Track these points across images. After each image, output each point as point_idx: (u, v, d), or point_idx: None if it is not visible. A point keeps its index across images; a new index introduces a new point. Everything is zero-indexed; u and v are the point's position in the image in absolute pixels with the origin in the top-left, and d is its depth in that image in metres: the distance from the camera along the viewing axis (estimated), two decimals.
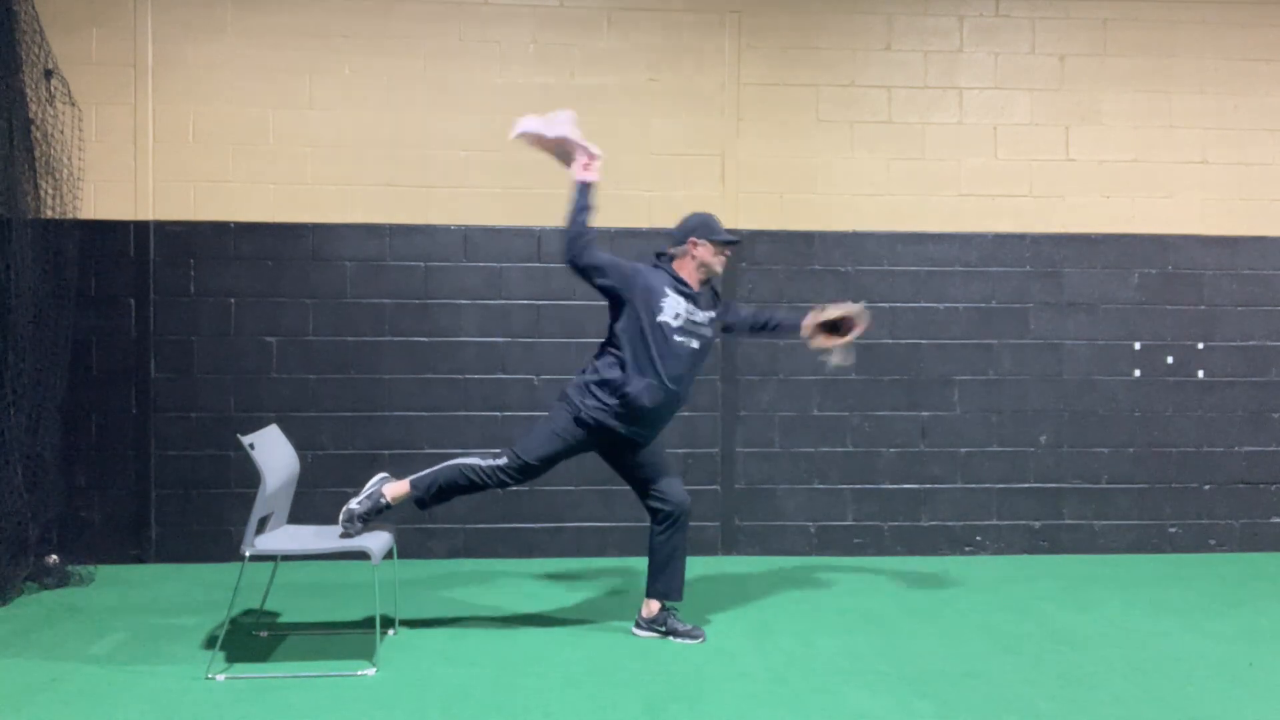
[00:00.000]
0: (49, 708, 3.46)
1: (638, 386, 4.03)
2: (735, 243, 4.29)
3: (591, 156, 4.14)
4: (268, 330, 5.36)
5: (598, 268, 4.07)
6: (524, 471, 4.13)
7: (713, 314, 4.23)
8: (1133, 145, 5.68)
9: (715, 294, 4.34)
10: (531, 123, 4.10)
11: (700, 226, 4.18)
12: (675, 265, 4.18)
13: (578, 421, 4.10)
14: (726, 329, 4.42)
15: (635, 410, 4.06)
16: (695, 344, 4.13)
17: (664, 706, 3.49)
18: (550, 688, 3.65)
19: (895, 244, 5.60)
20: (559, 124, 4.10)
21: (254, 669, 3.83)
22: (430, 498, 4.15)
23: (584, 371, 4.18)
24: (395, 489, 4.10)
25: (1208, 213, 5.71)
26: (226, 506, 5.32)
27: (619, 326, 4.11)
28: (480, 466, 4.12)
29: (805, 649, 4.08)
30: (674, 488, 4.21)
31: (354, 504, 4.03)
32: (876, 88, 5.59)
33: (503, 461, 4.11)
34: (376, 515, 4.06)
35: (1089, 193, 5.66)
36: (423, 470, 4.18)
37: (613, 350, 4.13)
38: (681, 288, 4.13)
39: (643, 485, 4.23)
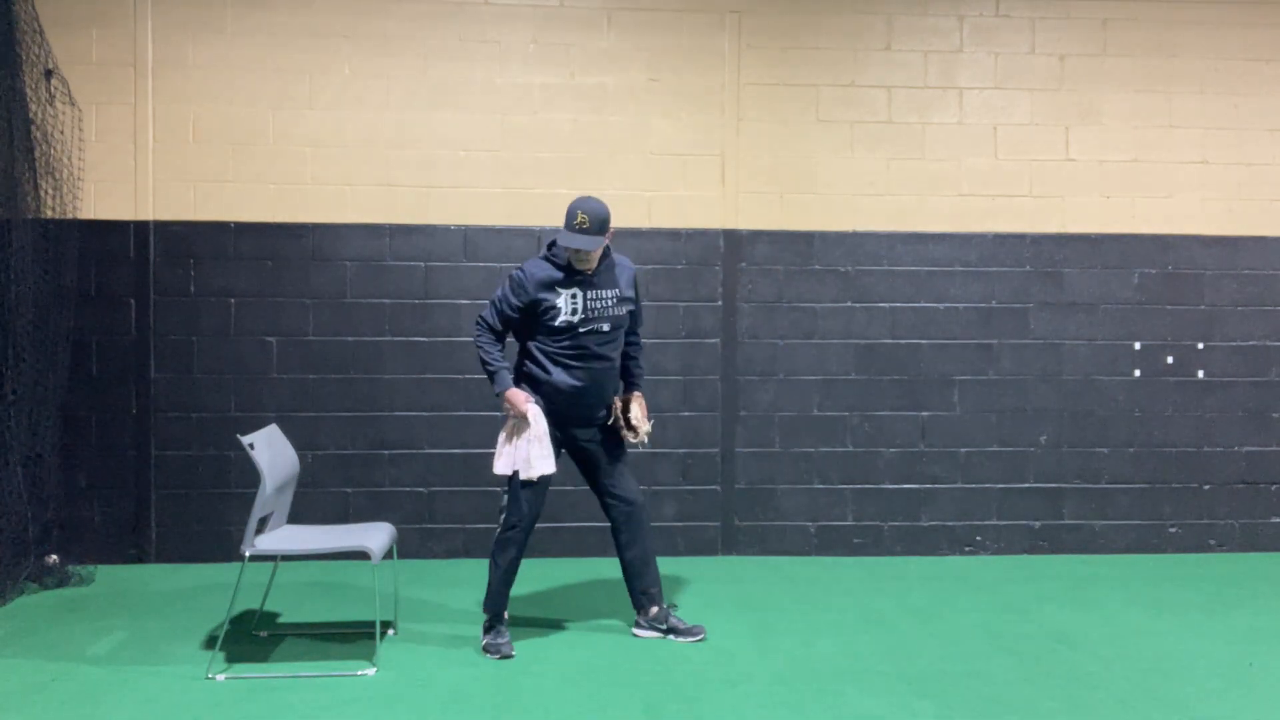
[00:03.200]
0: (49, 708, 3.46)
1: (557, 378, 4.07)
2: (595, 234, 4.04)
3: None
4: (268, 330, 5.36)
5: (503, 331, 4.12)
6: (517, 500, 4.14)
7: (621, 291, 4.13)
8: (1133, 145, 5.67)
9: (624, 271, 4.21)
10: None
11: (566, 216, 4.05)
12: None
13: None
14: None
15: (559, 396, 4.09)
16: (606, 327, 4.09)
17: (664, 706, 3.49)
18: (550, 688, 3.65)
19: (895, 244, 5.60)
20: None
21: (254, 669, 3.83)
22: (497, 599, 4.18)
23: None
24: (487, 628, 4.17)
25: (1208, 213, 5.70)
26: (226, 506, 5.32)
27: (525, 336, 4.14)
28: (498, 535, 4.19)
29: (805, 649, 4.08)
30: (627, 483, 4.26)
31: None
32: (876, 88, 5.59)
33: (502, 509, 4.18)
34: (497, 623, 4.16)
35: (1089, 193, 5.66)
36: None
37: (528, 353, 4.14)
38: (573, 277, 4.04)
39: (598, 485, 4.28)
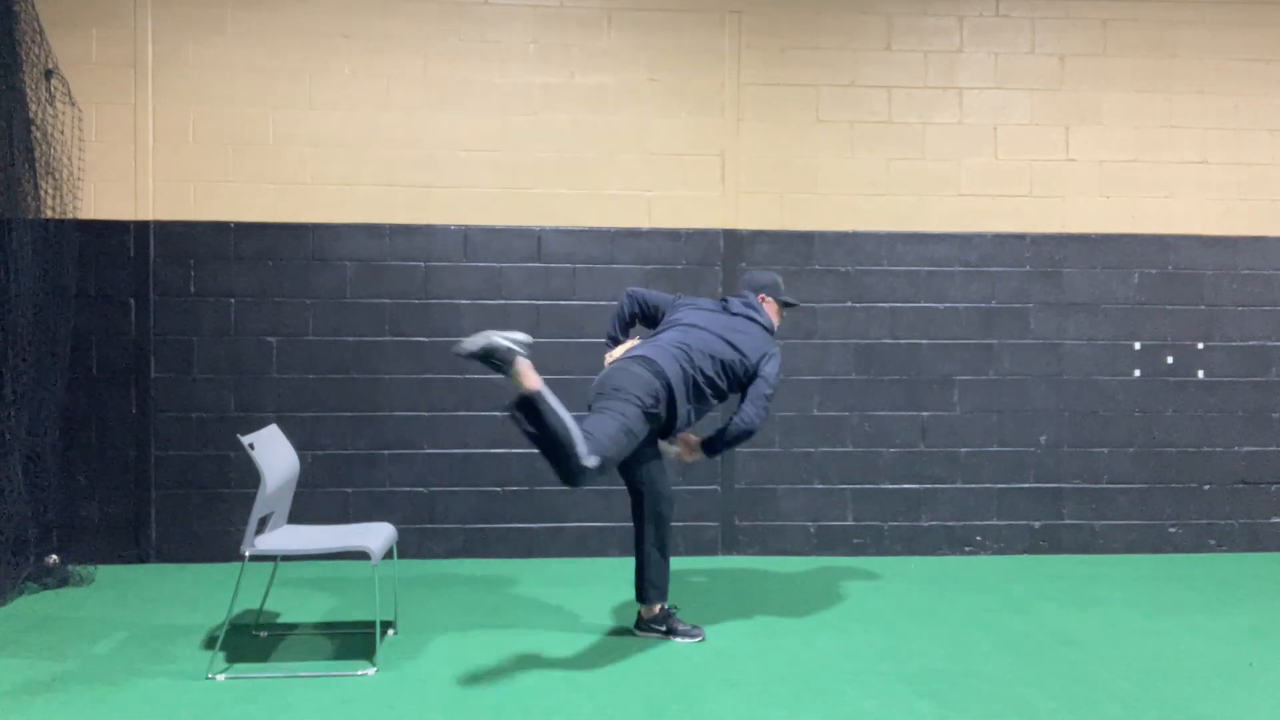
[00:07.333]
0: (49, 708, 3.46)
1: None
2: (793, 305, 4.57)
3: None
4: (268, 330, 5.36)
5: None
6: (602, 472, 3.75)
7: None
8: (1133, 145, 5.68)
9: None
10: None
11: (772, 286, 4.44)
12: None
13: (648, 416, 3.95)
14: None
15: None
16: None
17: (664, 706, 3.49)
18: (550, 688, 3.65)
19: (895, 244, 5.60)
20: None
21: (254, 669, 3.83)
22: (530, 419, 3.61)
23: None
24: (528, 378, 3.61)
25: (1208, 213, 5.71)
26: (226, 506, 5.32)
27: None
28: (577, 457, 3.62)
29: (805, 649, 4.08)
30: (663, 478, 4.20)
31: (496, 338, 3.57)
32: (876, 88, 5.59)
33: (593, 463, 3.64)
34: (499, 362, 3.56)
35: (1089, 193, 5.66)
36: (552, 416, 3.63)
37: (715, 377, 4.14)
38: None
39: (632, 469, 4.15)
